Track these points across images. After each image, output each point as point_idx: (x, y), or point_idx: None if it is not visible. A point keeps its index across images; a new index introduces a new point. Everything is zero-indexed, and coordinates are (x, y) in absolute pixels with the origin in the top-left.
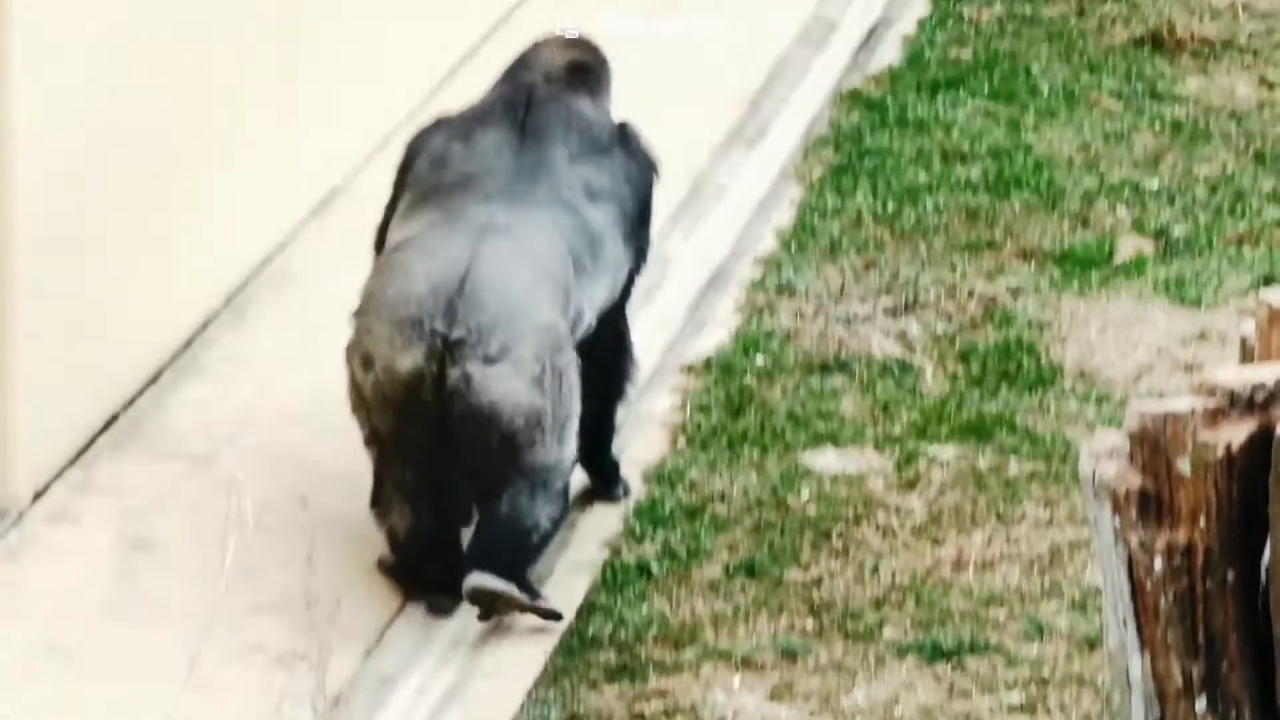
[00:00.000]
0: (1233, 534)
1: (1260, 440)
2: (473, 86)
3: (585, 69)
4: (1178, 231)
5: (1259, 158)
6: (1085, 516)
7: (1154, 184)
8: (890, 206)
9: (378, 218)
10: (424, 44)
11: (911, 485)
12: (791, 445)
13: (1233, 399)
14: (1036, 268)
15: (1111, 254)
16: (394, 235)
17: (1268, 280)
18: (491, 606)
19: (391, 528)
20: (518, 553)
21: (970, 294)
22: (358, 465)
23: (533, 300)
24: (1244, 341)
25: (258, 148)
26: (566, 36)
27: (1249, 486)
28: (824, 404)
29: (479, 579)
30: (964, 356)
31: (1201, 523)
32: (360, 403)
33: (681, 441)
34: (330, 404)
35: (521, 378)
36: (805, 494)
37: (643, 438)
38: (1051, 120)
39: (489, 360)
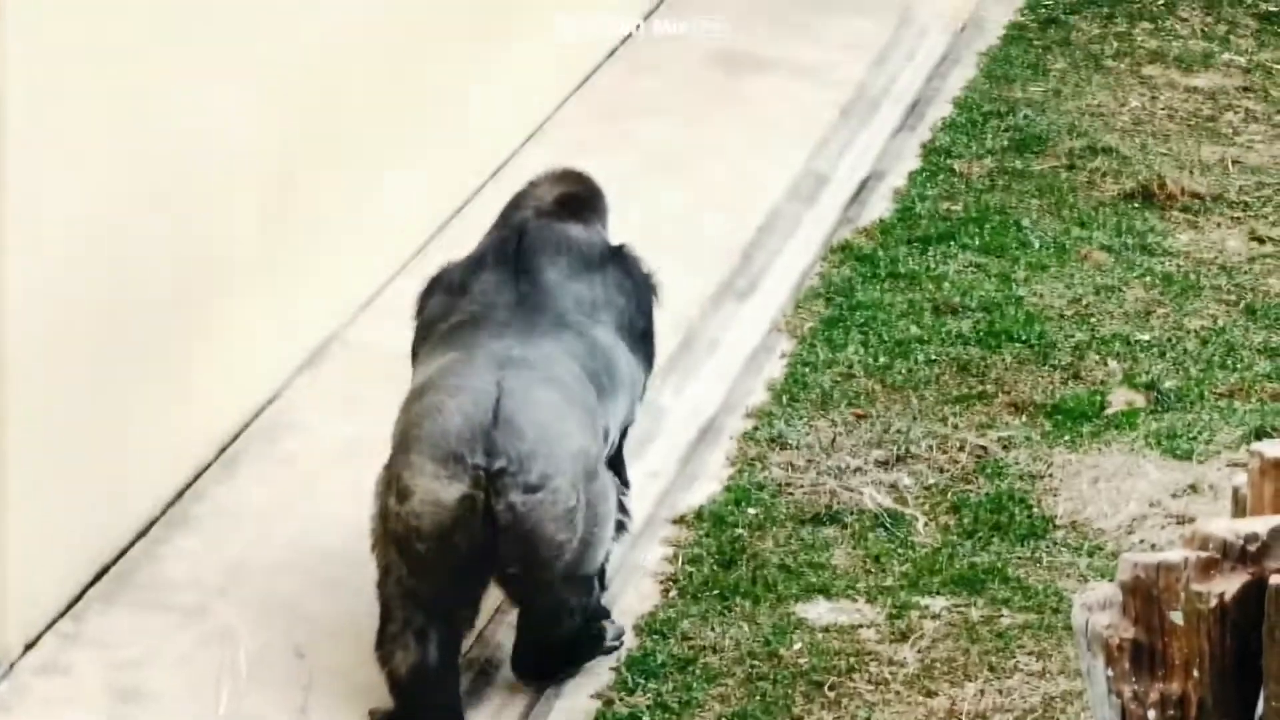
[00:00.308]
0: (1226, 685)
1: (1254, 591)
2: (466, 233)
3: (574, 199)
4: (1169, 384)
5: (1250, 311)
6: (1078, 668)
7: (1145, 337)
8: (881, 359)
9: (375, 368)
10: (418, 193)
11: (904, 636)
12: (783, 596)
13: (1225, 550)
14: (1028, 420)
15: (1103, 406)
16: (416, 379)
17: (1259, 433)
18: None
19: (394, 669)
20: (562, 657)
21: (962, 446)
22: (352, 615)
23: (565, 428)
24: (1236, 493)
25: (250, 297)
26: (557, 172)
27: (1242, 637)
28: (816, 555)
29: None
30: (956, 508)
31: (1195, 674)
32: (384, 536)
33: (673, 592)
34: (323, 554)
35: (559, 506)
36: (797, 645)
37: (634, 589)
38: (1042, 273)
39: (530, 489)
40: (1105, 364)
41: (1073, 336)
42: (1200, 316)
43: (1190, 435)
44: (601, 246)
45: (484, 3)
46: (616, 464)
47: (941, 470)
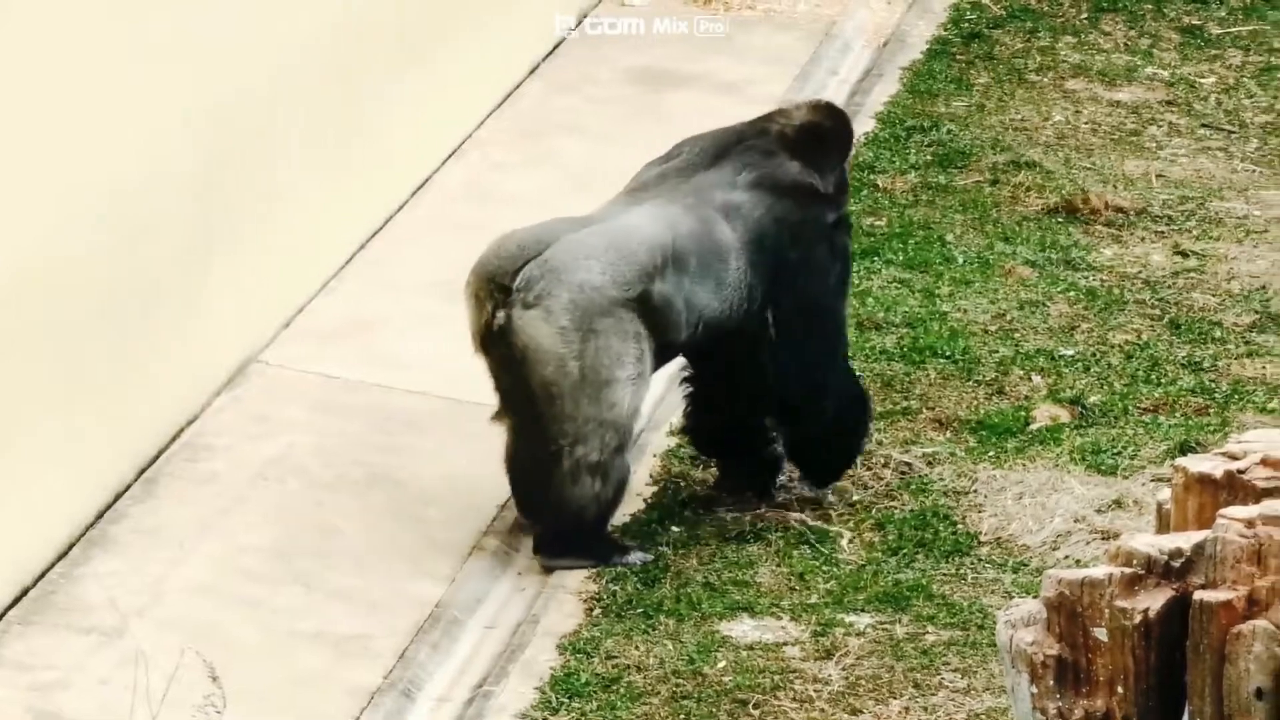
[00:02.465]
0: (1150, 701)
1: (1178, 607)
2: (386, 252)
3: (810, 134)
4: (1093, 399)
5: (1174, 325)
6: (1003, 685)
7: (1069, 352)
8: None
9: (295, 388)
10: (338, 213)
11: (829, 654)
12: (708, 614)
13: (1150, 566)
14: (952, 436)
15: (1027, 422)
16: None
17: (1183, 448)
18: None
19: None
20: (573, 528)
21: (886, 463)
22: (271, 636)
23: (586, 266)
24: (1160, 509)
25: (169, 319)
26: (813, 103)
27: (1166, 653)
28: (740, 573)
29: (548, 561)
30: (880, 525)
31: (1119, 690)
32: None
33: (597, 611)
34: (242, 575)
35: (550, 324)
36: (722, 663)
37: (558, 607)
38: (966, 289)
39: (527, 306)
40: (1029, 379)
41: (997, 352)
42: (1124, 331)
43: (1115, 450)
44: (790, 182)
45: (404, 24)
46: (726, 353)
47: (866, 487)
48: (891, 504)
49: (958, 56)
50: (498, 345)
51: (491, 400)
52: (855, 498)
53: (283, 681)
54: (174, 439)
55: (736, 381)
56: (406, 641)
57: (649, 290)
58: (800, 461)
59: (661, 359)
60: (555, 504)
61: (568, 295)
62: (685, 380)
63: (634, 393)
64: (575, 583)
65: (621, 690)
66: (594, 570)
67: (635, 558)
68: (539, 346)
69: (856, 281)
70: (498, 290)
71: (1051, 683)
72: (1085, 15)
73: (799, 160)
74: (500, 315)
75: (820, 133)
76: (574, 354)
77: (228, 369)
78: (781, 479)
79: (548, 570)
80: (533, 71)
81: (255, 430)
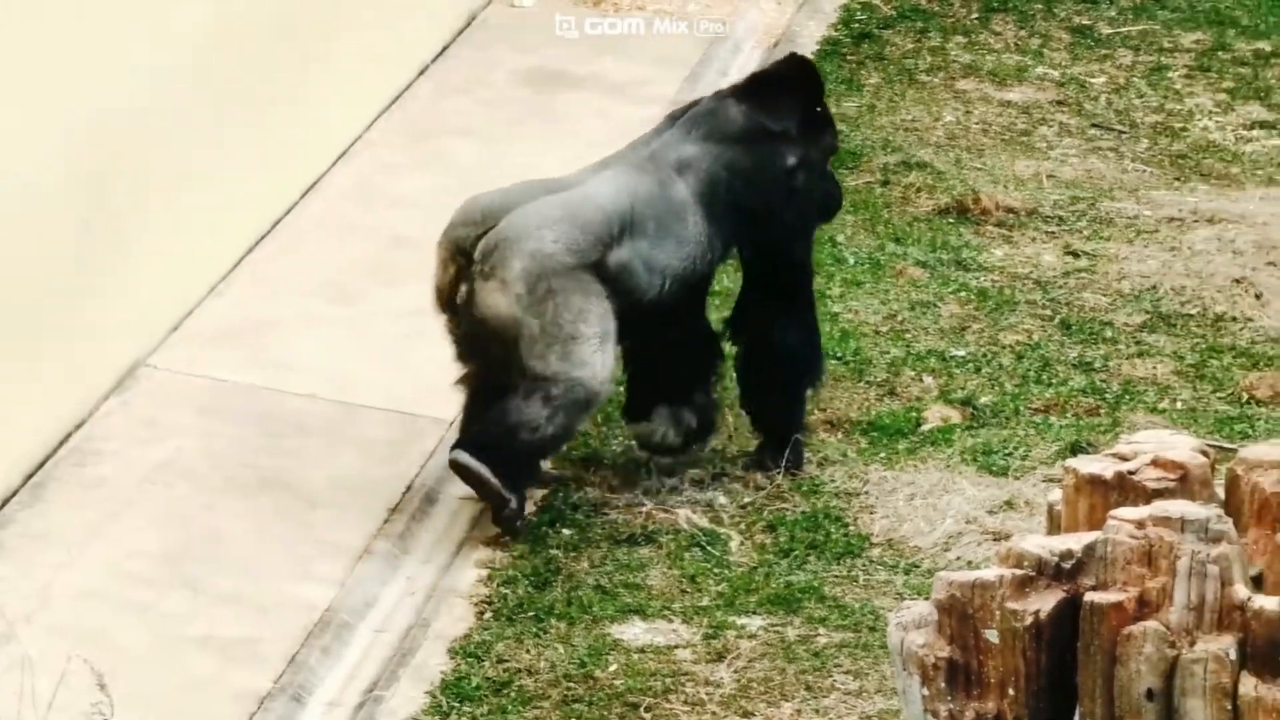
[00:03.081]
0: (1041, 703)
1: (1068, 609)
2: (276, 254)
3: (761, 80)
4: (984, 400)
5: (1065, 326)
6: (895, 687)
7: (960, 353)
8: None
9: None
10: (227, 215)
11: (720, 657)
12: (599, 618)
13: (1040, 567)
14: (844, 437)
15: (918, 423)
16: None
17: (1074, 448)
18: (467, 482)
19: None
20: (503, 441)
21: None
22: (160, 642)
23: (539, 235)
24: (1051, 509)
25: (57, 323)
26: (786, 58)
27: (1058, 655)
28: (631, 576)
29: (460, 455)
30: (772, 527)
31: (1010, 692)
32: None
33: (488, 615)
34: (131, 579)
35: (507, 294)
36: (613, 666)
37: (448, 611)
38: (857, 290)
39: (485, 277)
40: (921, 380)
41: (888, 353)
42: (1015, 332)
43: (1006, 451)
44: (738, 128)
45: (291, 25)
46: (692, 311)
47: (757, 489)
48: (783, 506)
49: (848, 57)
50: (460, 310)
51: (378, 403)
52: (746, 499)
53: (171, 687)
54: (62, 444)
55: (687, 326)
56: (296, 646)
57: (605, 257)
58: (753, 413)
59: (632, 322)
60: (499, 412)
61: (520, 264)
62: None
63: (602, 354)
64: (466, 586)
65: (513, 694)
66: (485, 573)
67: (513, 502)
68: (498, 315)
69: None
70: (461, 255)
71: (943, 685)
72: (976, 15)
73: (745, 104)
74: (463, 287)
75: (769, 77)
76: (534, 314)
77: (116, 373)
78: (672, 481)
79: (454, 465)
80: (422, 73)
81: (144, 434)
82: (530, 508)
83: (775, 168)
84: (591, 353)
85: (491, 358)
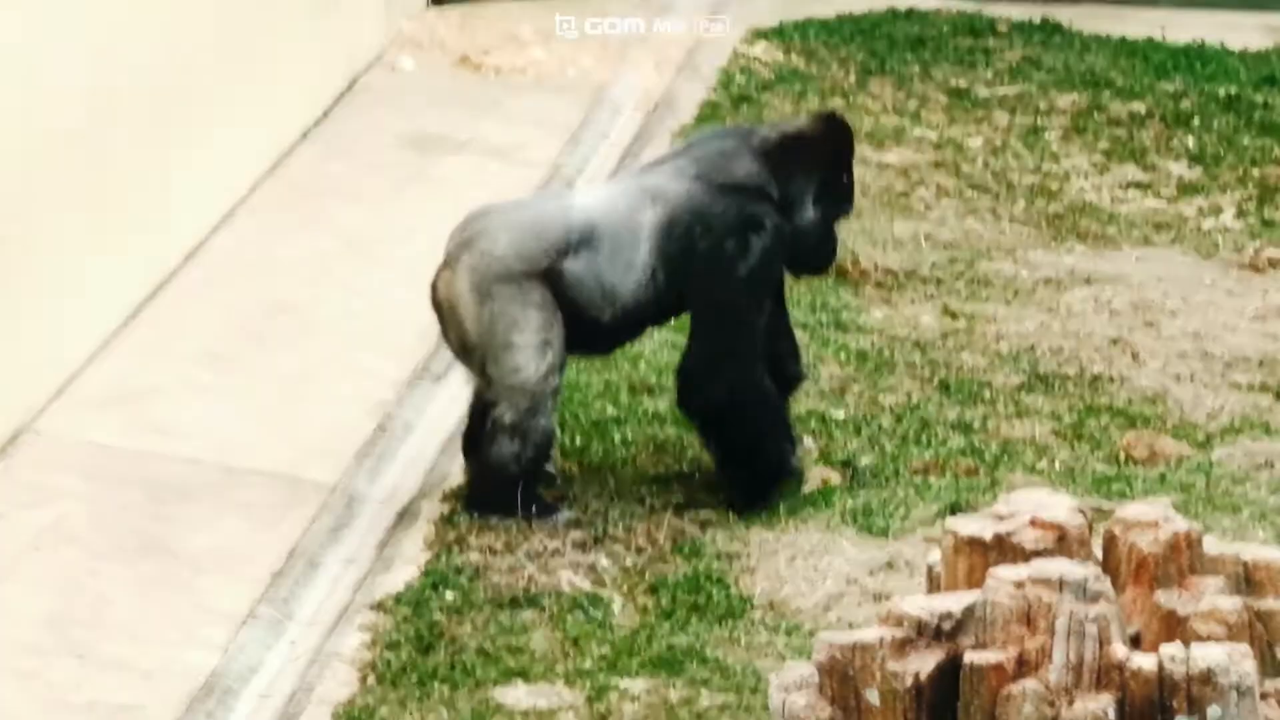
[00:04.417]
0: None
1: (949, 669)
2: (163, 316)
3: (790, 135)
4: (864, 461)
5: (944, 386)
6: None
7: (840, 414)
8: (579, 440)
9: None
10: (111, 278)
11: (603, 719)
12: (482, 681)
13: (920, 628)
14: (724, 498)
15: (799, 484)
16: None
17: (954, 508)
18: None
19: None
20: (493, 488)
21: (659, 526)
22: (42, 709)
23: (493, 237)
24: (930, 570)
25: None
26: (816, 113)
27: (938, 715)
28: (514, 639)
29: (475, 515)
30: (654, 589)
31: None
32: None
33: (371, 679)
34: (15, 647)
35: (458, 286)
36: None
37: (332, 675)
38: None
39: (447, 266)
40: (801, 441)
41: None
42: (895, 393)
43: (886, 512)
44: (739, 183)
45: (171, 89)
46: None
47: (639, 551)
48: (664, 567)
49: (727, 120)
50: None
51: (261, 466)
52: (629, 561)
53: None
54: None
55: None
56: (180, 711)
57: (557, 266)
58: (726, 478)
59: (587, 338)
60: (481, 462)
61: (468, 260)
62: None
63: (538, 358)
64: (350, 651)
65: None
66: (369, 637)
67: (561, 516)
68: (454, 304)
69: (629, 345)
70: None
71: None
72: (854, 77)
73: (753, 155)
74: (441, 288)
75: (799, 134)
76: (473, 316)
77: None
78: (554, 544)
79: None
80: (304, 136)
81: (27, 499)
82: (414, 572)
83: (740, 223)
84: (526, 360)
85: (465, 347)
